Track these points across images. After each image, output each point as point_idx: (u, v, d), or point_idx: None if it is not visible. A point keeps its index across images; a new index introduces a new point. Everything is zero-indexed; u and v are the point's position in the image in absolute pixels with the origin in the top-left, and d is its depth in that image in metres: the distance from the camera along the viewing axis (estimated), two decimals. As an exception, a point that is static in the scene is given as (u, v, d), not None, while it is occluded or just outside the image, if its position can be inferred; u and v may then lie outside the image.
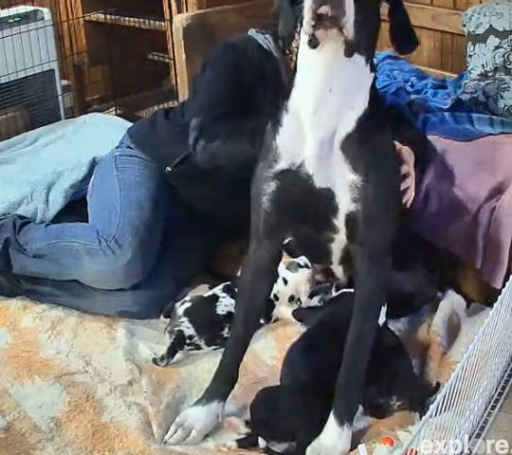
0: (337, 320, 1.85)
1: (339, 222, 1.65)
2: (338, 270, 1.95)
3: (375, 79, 1.63)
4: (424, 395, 1.78)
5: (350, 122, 1.57)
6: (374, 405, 1.78)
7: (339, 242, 1.72)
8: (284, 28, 1.56)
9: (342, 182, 1.60)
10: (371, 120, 1.59)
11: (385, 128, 1.67)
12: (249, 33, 2.19)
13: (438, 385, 1.82)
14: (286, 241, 1.77)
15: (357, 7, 1.40)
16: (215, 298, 2.10)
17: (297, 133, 1.60)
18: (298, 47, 1.56)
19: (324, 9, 1.37)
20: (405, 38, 1.62)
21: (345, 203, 1.61)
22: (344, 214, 1.63)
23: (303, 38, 1.48)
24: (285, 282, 2.13)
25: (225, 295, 2.10)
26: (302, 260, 2.12)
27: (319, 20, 1.39)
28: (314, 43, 1.44)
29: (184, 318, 2.03)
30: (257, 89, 2.08)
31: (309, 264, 2.10)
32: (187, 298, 2.13)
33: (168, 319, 2.07)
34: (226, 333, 2.01)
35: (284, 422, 1.67)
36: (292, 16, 1.49)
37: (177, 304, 2.09)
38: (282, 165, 1.63)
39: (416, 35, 1.64)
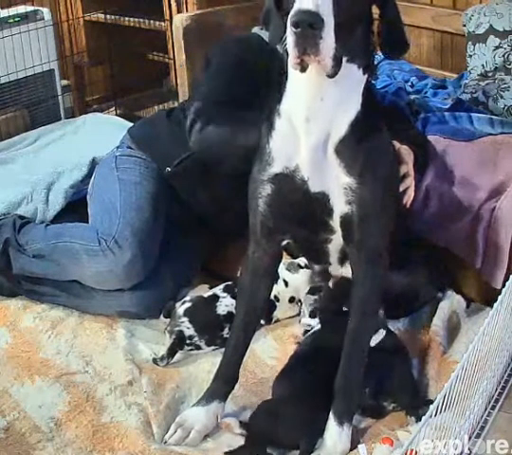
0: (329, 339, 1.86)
1: (335, 223, 1.65)
2: (336, 271, 1.95)
3: (372, 79, 1.62)
4: (419, 402, 1.77)
5: (343, 126, 1.57)
6: (368, 406, 1.78)
7: (336, 243, 1.72)
8: (274, 37, 1.55)
9: (337, 185, 1.60)
10: (365, 122, 1.58)
11: (380, 128, 1.66)
12: (253, 31, 2.19)
13: (429, 401, 1.80)
14: (285, 242, 1.77)
15: (343, 19, 1.38)
16: (216, 298, 2.09)
17: (290, 137, 1.60)
18: None
19: (306, 58, 1.39)
20: (394, 43, 1.58)
21: (340, 205, 1.61)
22: (339, 216, 1.63)
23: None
24: (286, 283, 2.13)
25: (225, 295, 2.09)
26: (302, 260, 2.12)
27: (302, 57, 1.40)
28: (301, 70, 1.44)
29: (184, 319, 2.03)
30: (261, 84, 2.07)
31: (308, 265, 2.10)
32: (187, 297, 2.13)
33: (168, 319, 2.07)
34: (226, 333, 2.01)
35: (287, 433, 1.68)
36: (280, 23, 1.48)
37: (178, 304, 2.08)
38: (275, 169, 1.63)
39: (407, 39, 1.59)
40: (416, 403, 1.77)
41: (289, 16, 1.36)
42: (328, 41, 1.37)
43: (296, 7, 1.35)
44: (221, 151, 2.03)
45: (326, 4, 1.36)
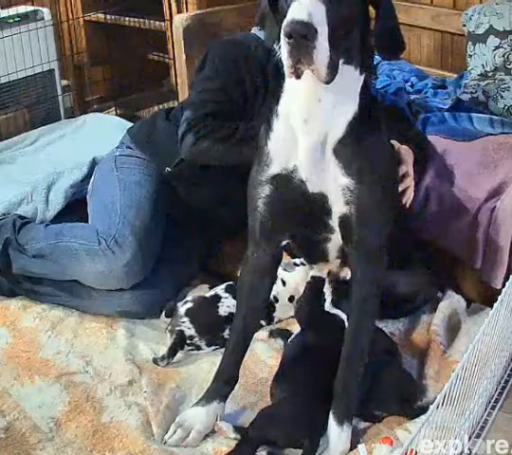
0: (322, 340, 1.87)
1: (335, 223, 1.65)
2: (333, 269, 1.95)
3: (370, 79, 1.61)
4: (411, 410, 1.76)
5: (341, 126, 1.57)
6: (361, 413, 1.78)
7: (336, 242, 1.72)
8: (270, 39, 1.54)
9: (335, 186, 1.60)
10: (363, 122, 1.58)
11: (379, 128, 1.66)
12: (253, 31, 2.19)
13: (422, 411, 1.76)
14: (284, 243, 1.77)
15: (338, 26, 1.38)
16: (217, 298, 2.09)
17: (288, 138, 1.59)
18: None
19: (301, 66, 1.38)
20: (390, 43, 1.57)
21: (338, 206, 1.61)
22: (337, 216, 1.63)
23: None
24: (283, 282, 2.12)
25: (227, 295, 2.09)
26: (299, 259, 2.12)
27: (296, 66, 1.39)
28: (296, 78, 1.43)
29: (185, 319, 2.03)
30: (259, 88, 2.08)
31: (305, 262, 2.09)
32: (189, 297, 2.12)
33: (168, 319, 2.07)
34: (226, 334, 2.00)
35: (290, 433, 1.68)
36: (275, 26, 1.47)
37: (179, 304, 2.08)
38: (274, 170, 1.63)
39: (404, 40, 1.58)
40: (409, 412, 1.76)
41: (282, 26, 1.35)
42: (322, 50, 1.36)
43: (289, 16, 1.34)
44: (212, 163, 2.07)
45: (319, 13, 1.34)
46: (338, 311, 1.94)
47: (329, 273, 1.96)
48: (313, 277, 1.99)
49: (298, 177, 1.61)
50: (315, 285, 1.98)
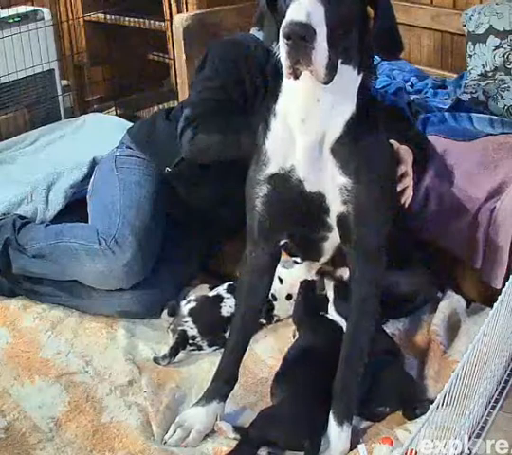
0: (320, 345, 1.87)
1: (333, 221, 1.65)
2: (328, 268, 1.95)
3: (368, 78, 1.61)
4: (413, 405, 1.76)
5: (339, 126, 1.57)
6: (363, 412, 1.78)
7: (333, 240, 1.72)
8: (268, 40, 1.54)
9: (333, 185, 1.60)
10: (361, 121, 1.58)
11: (377, 128, 1.66)
12: (251, 32, 2.19)
13: (424, 401, 1.77)
14: (282, 242, 1.77)
15: (336, 26, 1.38)
16: (220, 298, 2.09)
17: (285, 138, 1.60)
18: None
19: (299, 67, 1.38)
20: (388, 43, 1.56)
21: (336, 205, 1.62)
22: (335, 216, 1.63)
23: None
24: (281, 280, 2.12)
25: (229, 295, 2.09)
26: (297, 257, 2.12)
27: (295, 67, 1.39)
28: (294, 78, 1.43)
29: (188, 318, 2.03)
30: (258, 88, 2.08)
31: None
32: (192, 296, 2.12)
33: (170, 318, 2.07)
34: (228, 334, 2.00)
35: (291, 434, 1.68)
36: (274, 26, 1.47)
37: (182, 303, 2.08)
38: (271, 169, 1.63)
39: (402, 41, 1.58)
40: (411, 406, 1.76)
41: (281, 27, 1.34)
42: (321, 51, 1.36)
43: (288, 17, 1.34)
44: (213, 158, 2.05)
45: (318, 14, 1.34)
46: (338, 318, 1.94)
47: (323, 273, 1.97)
48: (301, 282, 2.01)
49: (295, 177, 1.61)
50: (305, 288, 2.01)
